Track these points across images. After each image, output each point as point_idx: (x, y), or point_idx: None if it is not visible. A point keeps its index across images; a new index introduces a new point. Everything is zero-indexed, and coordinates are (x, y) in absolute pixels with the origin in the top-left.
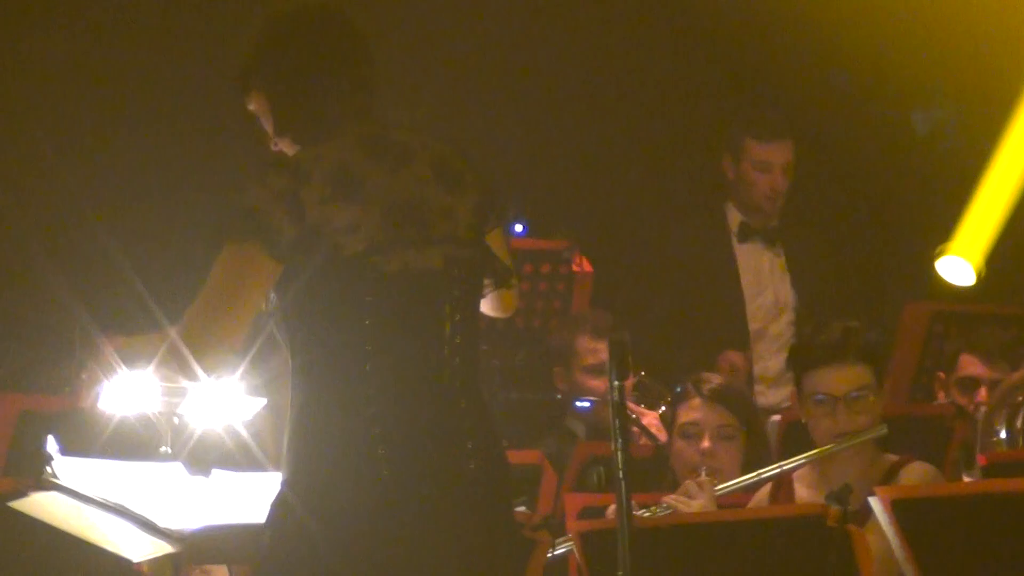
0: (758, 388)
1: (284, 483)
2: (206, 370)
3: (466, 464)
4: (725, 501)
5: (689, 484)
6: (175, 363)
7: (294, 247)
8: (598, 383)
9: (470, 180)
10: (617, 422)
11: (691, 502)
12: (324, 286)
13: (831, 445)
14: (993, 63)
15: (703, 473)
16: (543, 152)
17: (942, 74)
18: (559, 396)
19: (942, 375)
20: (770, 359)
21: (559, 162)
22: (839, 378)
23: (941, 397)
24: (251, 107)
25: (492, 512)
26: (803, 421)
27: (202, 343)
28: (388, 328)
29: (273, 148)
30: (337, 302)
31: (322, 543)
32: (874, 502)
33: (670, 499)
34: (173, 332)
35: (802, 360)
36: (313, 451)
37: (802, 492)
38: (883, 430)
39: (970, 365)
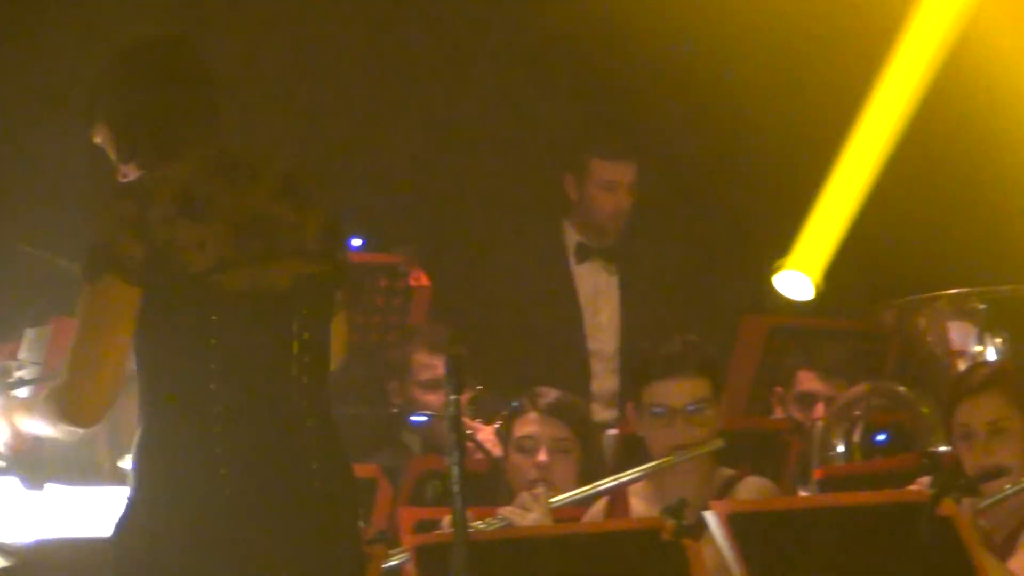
0: (594, 406)
1: (131, 499)
2: (91, 420)
3: (311, 483)
4: (561, 515)
5: (524, 496)
6: (59, 417)
7: (145, 269)
8: (434, 398)
9: (319, 197)
10: (453, 436)
11: (526, 515)
12: (172, 305)
13: (668, 457)
14: (834, 77)
15: (539, 486)
16: (380, 165)
17: (785, 86)
18: (395, 410)
19: (779, 390)
20: (607, 378)
21: (397, 175)
22: (678, 390)
23: (779, 412)
24: (97, 140)
25: (336, 532)
26: (640, 435)
27: (84, 392)
28: (234, 347)
29: (121, 180)
30: (184, 320)
31: (168, 560)
32: (709, 516)
33: (505, 511)
34: (54, 386)
35: (641, 373)
36: (160, 468)
37: (638, 506)
38: (719, 444)
39: (807, 381)
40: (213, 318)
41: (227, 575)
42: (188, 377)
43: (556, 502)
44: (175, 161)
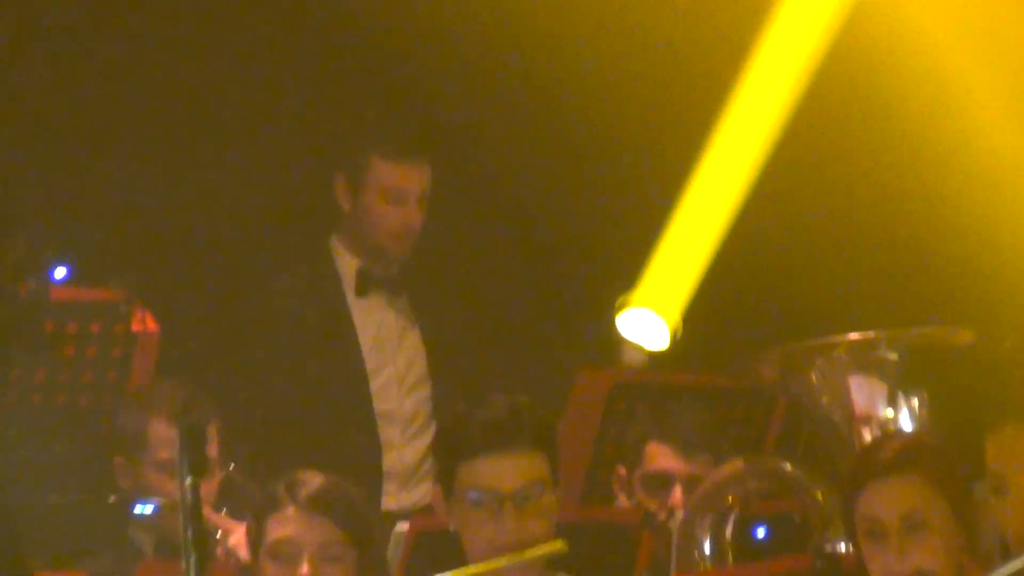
0: (386, 486)
1: None
2: None
3: None
4: None
5: None
6: None
7: None
8: (175, 484)
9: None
10: (189, 534)
11: None
12: None
13: (495, 561)
14: (695, 64)
15: None
16: (90, 172)
17: (631, 77)
18: (113, 498)
19: (622, 470)
20: (404, 448)
21: (113, 185)
22: (506, 470)
23: (622, 499)
24: None
25: None
26: (451, 529)
27: None
28: None
29: None
30: None
31: None
32: None
33: None
34: None
35: (454, 446)
36: None
37: None
38: (561, 546)
39: (660, 456)
40: None
41: None
42: None
43: None
44: None
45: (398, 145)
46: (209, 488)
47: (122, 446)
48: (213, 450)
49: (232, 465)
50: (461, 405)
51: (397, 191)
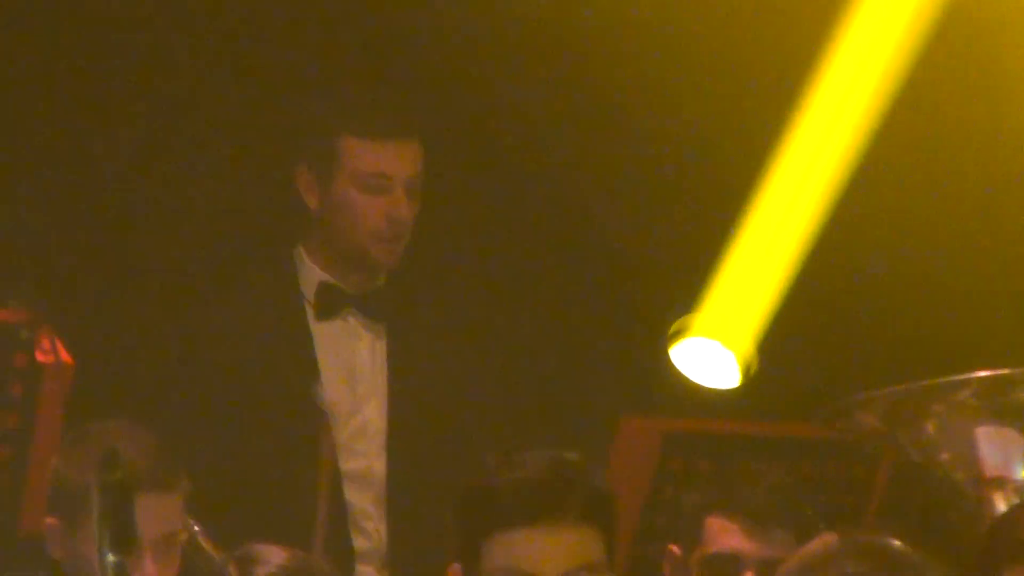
0: (361, 569)
1: None
2: None
3: None
4: None
5: None
6: None
7: None
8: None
9: None
10: None
11: None
12: None
13: None
14: (772, 42)
15: None
16: None
17: (695, 54)
18: None
19: (675, 549)
20: (381, 518)
21: (16, 185)
22: (549, 549)
23: None
24: None
25: None
26: None
27: None
28: None
29: None
30: None
31: None
32: None
33: None
34: None
35: (479, 516)
36: None
37: None
38: None
39: (725, 534)
40: None
41: None
42: None
43: None
44: None
45: (376, 120)
46: (170, 561)
47: (57, 505)
48: (177, 526)
49: (196, 527)
50: (491, 460)
51: (378, 176)
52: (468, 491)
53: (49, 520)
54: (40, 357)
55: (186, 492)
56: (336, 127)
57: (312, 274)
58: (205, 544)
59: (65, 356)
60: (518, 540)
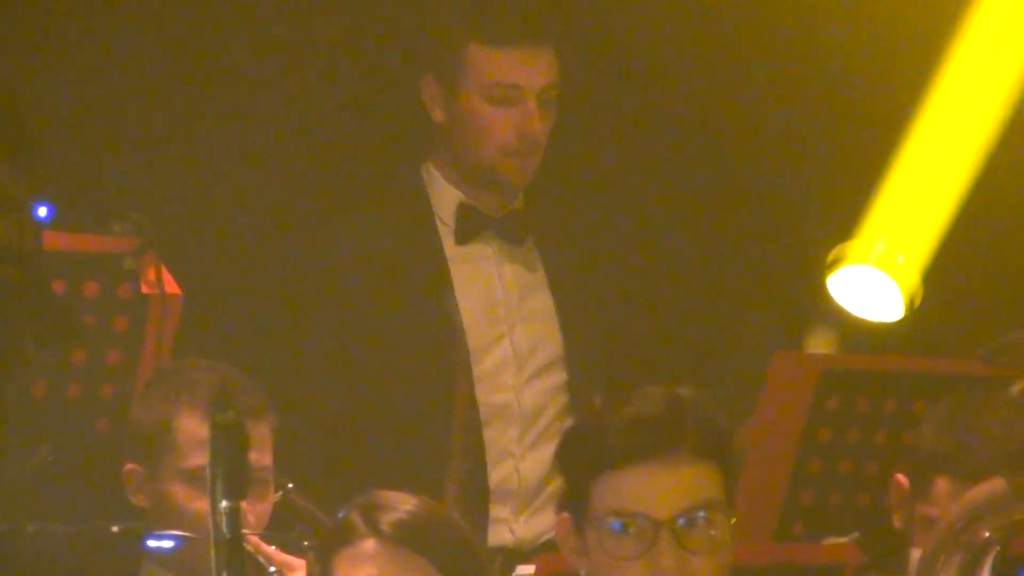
0: (497, 511)
1: None
2: None
3: None
4: None
5: None
6: None
7: None
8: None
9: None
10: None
11: None
12: None
13: None
14: None
15: None
16: (90, 85)
17: None
18: (115, 529)
19: (903, 480)
20: (523, 458)
21: (119, 101)
22: (663, 486)
23: (897, 518)
24: None
25: None
26: (581, 574)
27: None
28: None
29: None
30: None
31: None
32: None
33: None
34: None
35: (588, 455)
36: None
37: None
38: None
39: (947, 498)
40: None
41: None
42: None
43: None
44: None
45: (505, 26)
46: (260, 511)
47: (136, 450)
48: (268, 458)
49: (289, 484)
50: (598, 399)
51: (508, 87)
52: (575, 431)
53: (128, 466)
54: (145, 288)
55: (273, 423)
56: (462, 35)
57: (448, 194)
58: (298, 500)
59: (172, 287)
60: (628, 479)
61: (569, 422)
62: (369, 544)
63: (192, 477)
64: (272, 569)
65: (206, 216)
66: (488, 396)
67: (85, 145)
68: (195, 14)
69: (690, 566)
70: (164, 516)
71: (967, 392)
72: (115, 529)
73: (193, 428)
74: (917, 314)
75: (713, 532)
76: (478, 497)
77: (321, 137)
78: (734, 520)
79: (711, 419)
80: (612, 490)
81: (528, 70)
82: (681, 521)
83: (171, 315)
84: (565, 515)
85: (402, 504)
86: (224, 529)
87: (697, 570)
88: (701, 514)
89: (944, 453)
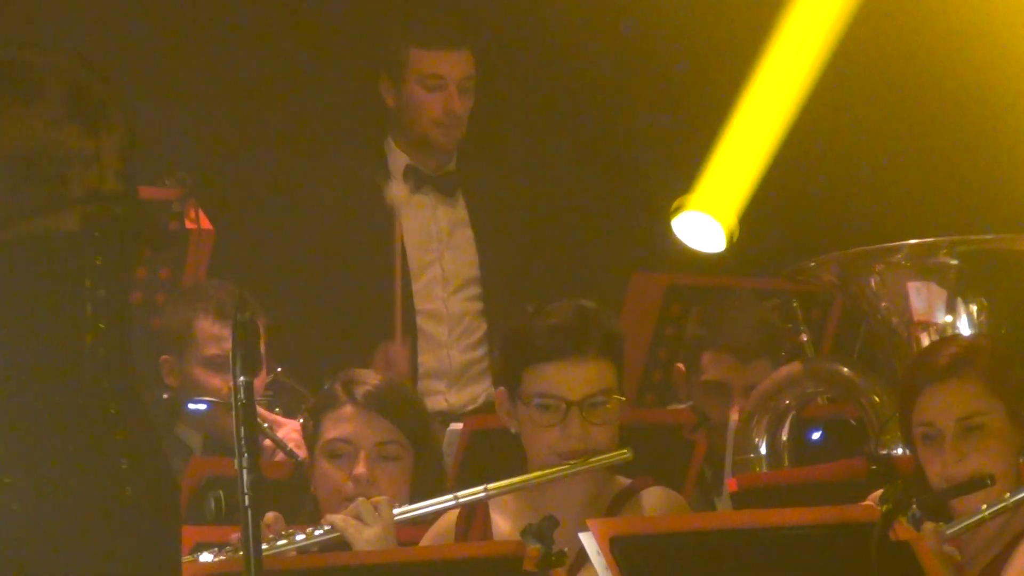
0: (433, 385)
1: None
2: None
3: (121, 489)
4: (403, 533)
5: (363, 504)
6: None
7: None
8: (221, 380)
9: (115, 114)
10: (243, 431)
11: (363, 530)
12: None
13: (562, 467)
14: None
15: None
16: (142, 61)
17: None
18: (166, 395)
19: (681, 367)
20: (451, 347)
21: (164, 76)
22: (576, 377)
23: (681, 395)
24: None
25: (155, 551)
26: (513, 431)
27: None
28: (11, 311)
29: None
30: None
31: None
32: (586, 539)
33: (335, 520)
34: None
35: (521, 350)
36: None
37: (502, 523)
38: (627, 455)
39: (717, 366)
40: None
41: None
42: None
43: (403, 515)
44: None
45: (434, 33)
46: (258, 385)
47: (169, 344)
48: (262, 347)
49: (279, 367)
50: (529, 308)
51: (435, 78)
52: (510, 332)
53: (163, 357)
54: (188, 224)
55: (265, 322)
56: (405, 41)
57: (399, 158)
58: (287, 380)
59: (207, 224)
60: (550, 371)
61: (484, 323)
62: (347, 409)
63: (210, 362)
64: (266, 425)
65: (227, 171)
66: (423, 304)
67: (148, 113)
68: (202, 15)
69: (592, 433)
70: (190, 391)
71: (718, 298)
72: (164, 396)
73: (208, 327)
74: (738, 244)
75: (608, 409)
76: (413, 378)
77: (314, 117)
78: (623, 399)
79: (610, 326)
80: (538, 377)
81: (450, 65)
82: (587, 403)
83: (206, 244)
84: (502, 389)
85: (371, 379)
86: (242, 395)
87: (596, 437)
88: (600, 398)
89: (704, 336)
